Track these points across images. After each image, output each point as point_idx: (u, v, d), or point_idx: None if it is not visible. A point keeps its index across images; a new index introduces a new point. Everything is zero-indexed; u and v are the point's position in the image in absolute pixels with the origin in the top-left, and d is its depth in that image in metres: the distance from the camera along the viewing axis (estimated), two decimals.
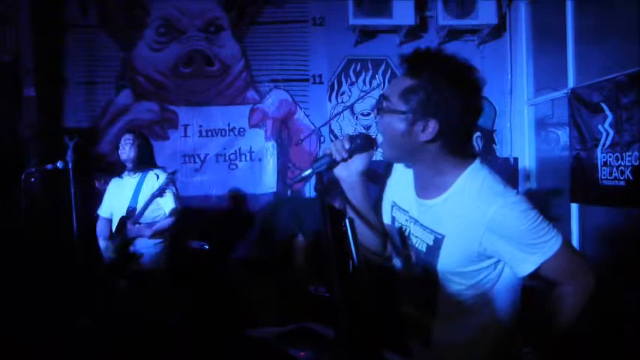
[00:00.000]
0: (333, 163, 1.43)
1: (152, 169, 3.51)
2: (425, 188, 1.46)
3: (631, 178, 3.32)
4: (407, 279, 1.55)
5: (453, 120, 1.33)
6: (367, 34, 5.05)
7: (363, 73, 5.17)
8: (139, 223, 3.36)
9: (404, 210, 1.53)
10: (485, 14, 4.65)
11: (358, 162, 1.45)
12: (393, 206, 1.58)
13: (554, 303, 1.40)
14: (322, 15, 5.15)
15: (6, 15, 4.80)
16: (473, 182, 1.39)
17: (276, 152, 5.18)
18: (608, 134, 3.53)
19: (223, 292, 3.15)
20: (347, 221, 1.30)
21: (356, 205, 1.51)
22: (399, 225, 1.55)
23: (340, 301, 1.22)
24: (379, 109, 1.41)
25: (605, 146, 3.56)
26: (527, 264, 1.35)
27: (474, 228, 1.36)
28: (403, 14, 4.67)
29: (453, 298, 1.45)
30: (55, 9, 5.09)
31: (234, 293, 3.02)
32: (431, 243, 1.43)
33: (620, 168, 3.41)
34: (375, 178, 1.45)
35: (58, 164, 3.28)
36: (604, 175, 3.58)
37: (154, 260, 3.40)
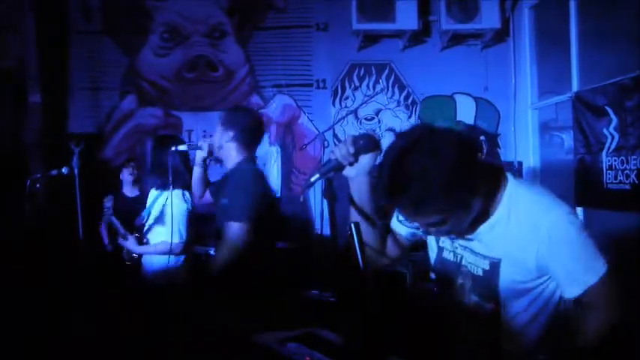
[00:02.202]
0: (341, 167, 1.43)
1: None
2: (470, 225, 1.40)
3: (636, 181, 3.31)
4: (463, 308, 1.51)
5: (470, 171, 1.27)
6: (370, 39, 5.06)
7: (367, 78, 5.18)
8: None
9: (452, 238, 1.51)
10: (489, 18, 4.64)
11: (365, 162, 1.44)
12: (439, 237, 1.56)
13: (583, 326, 1.38)
14: (326, 20, 5.16)
15: (11, 22, 4.82)
16: (516, 202, 1.38)
17: (280, 157, 5.18)
18: (613, 138, 3.52)
19: (228, 297, 3.14)
20: (352, 225, 1.30)
21: (360, 204, 1.50)
22: (450, 253, 1.54)
23: (347, 305, 1.22)
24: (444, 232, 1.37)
25: (610, 150, 3.55)
26: (574, 286, 1.34)
27: (528, 246, 1.34)
28: (406, 19, 4.67)
29: (517, 316, 1.44)
30: (60, 16, 5.12)
31: (238, 298, 3.01)
32: (487, 267, 1.43)
33: (625, 172, 3.40)
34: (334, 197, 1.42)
35: (63, 170, 3.28)
36: (609, 179, 3.57)
37: (169, 274, 3.16)
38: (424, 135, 1.26)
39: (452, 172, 1.20)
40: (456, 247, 1.52)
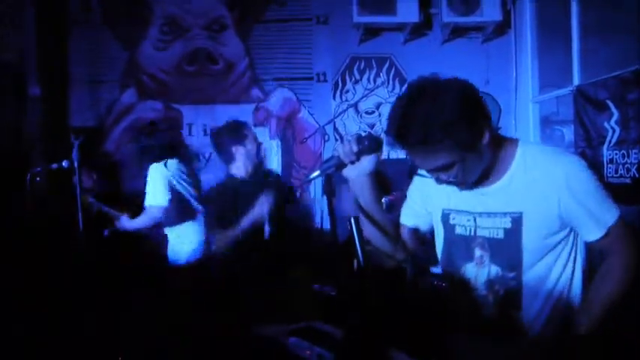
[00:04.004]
0: (342, 165, 1.44)
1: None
2: (484, 178, 1.47)
3: (637, 175, 3.31)
4: (481, 283, 1.53)
5: (478, 115, 1.36)
6: (371, 32, 5.03)
7: (368, 71, 5.16)
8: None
9: (464, 211, 1.54)
10: (490, 11, 4.62)
11: (367, 163, 1.46)
12: (448, 214, 1.58)
13: (607, 274, 1.45)
14: (326, 13, 5.14)
15: (10, 15, 4.81)
16: (532, 154, 1.46)
17: (280, 151, 5.17)
18: (614, 131, 3.51)
19: (228, 290, 3.15)
20: (352, 220, 1.31)
21: (366, 206, 1.51)
22: (463, 228, 1.55)
23: (348, 299, 1.22)
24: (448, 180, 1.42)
25: (611, 144, 3.54)
26: (596, 228, 1.42)
27: (550, 193, 1.41)
28: (407, 11, 4.65)
29: (539, 280, 1.47)
30: (60, 8, 5.10)
31: (239, 292, 3.02)
32: (509, 225, 1.46)
33: (626, 165, 3.40)
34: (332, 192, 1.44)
35: (64, 163, 3.28)
36: (610, 173, 3.56)
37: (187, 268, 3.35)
38: (428, 84, 1.36)
39: (451, 113, 1.29)
40: (469, 219, 1.53)
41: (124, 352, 2.65)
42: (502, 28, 4.99)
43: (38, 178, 3.51)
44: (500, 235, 1.47)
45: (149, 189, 3.25)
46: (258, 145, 3.05)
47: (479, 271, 1.53)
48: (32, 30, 4.79)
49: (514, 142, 1.49)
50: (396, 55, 5.11)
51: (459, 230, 1.56)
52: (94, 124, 5.11)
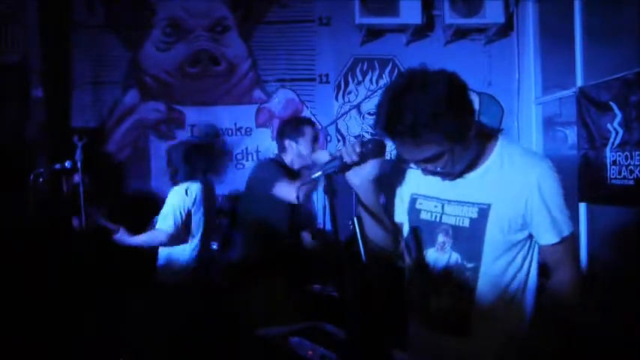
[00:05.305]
0: (344, 166, 1.43)
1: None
2: (467, 168, 1.49)
3: None
4: (439, 270, 1.54)
5: (464, 108, 1.38)
6: (374, 34, 5.03)
7: (370, 73, 5.16)
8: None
9: (431, 197, 1.55)
10: (493, 13, 4.62)
11: (370, 168, 1.45)
12: (416, 199, 1.59)
13: (559, 287, 1.48)
14: (329, 14, 5.14)
15: (13, 16, 4.82)
16: (510, 151, 1.49)
17: None
18: (617, 133, 3.50)
19: (230, 292, 3.14)
20: (354, 219, 1.31)
21: (371, 208, 1.51)
22: (428, 213, 1.56)
23: (350, 299, 1.22)
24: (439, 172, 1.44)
25: (614, 145, 3.53)
26: (553, 233, 1.46)
27: (520, 191, 1.44)
28: (410, 13, 4.65)
29: (494, 278, 1.48)
30: (62, 10, 5.11)
31: (240, 293, 3.01)
32: (475, 215, 1.47)
33: (629, 167, 3.39)
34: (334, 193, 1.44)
35: (66, 164, 3.29)
36: (613, 174, 3.55)
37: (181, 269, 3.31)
38: (417, 75, 1.36)
39: (440, 104, 1.30)
40: (436, 206, 1.54)
41: (125, 352, 2.66)
42: (505, 29, 4.98)
43: (41, 179, 3.52)
44: (466, 223, 1.49)
45: (164, 212, 3.21)
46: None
47: (439, 257, 1.53)
48: (35, 32, 4.80)
49: (494, 136, 1.52)
50: (398, 56, 5.11)
51: (423, 215, 1.57)
52: (97, 125, 5.12)
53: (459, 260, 1.49)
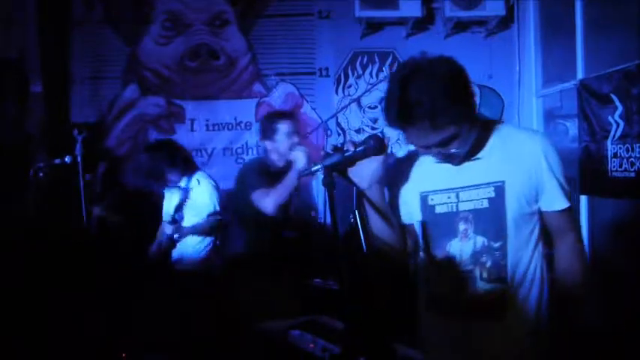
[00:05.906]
0: (344, 159, 1.41)
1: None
2: (469, 152, 1.52)
3: None
4: (467, 257, 1.55)
5: (461, 91, 1.41)
6: (374, 27, 5.02)
7: (370, 66, 5.15)
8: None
9: (442, 190, 1.56)
10: (493, 5, 4.60)
11: (373, 168, 1.44)
12: (426, 196, 1.59)
13: (570, 251, 1.56)
14: (328, 8, 5.12)
15: (13, 12, 4.81)
16: (507, 130, 1.57)
17: None
18: (618, 125, 3.49)
19: (231, 286, 3.15)
20: (355, 212, 1.31)
21: (378, 205, 1.51)
22: (444, 206, 1.56)
23: (350, 293, 1.22)
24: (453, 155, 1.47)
25: (615, 138, 3.52)
26: (564, 198, 1.53)
27: (527, 164, 1.50)
28: (410, 6, 4.63)
29: (520, 252, 1.52)
30: (61, 5, 5.09)
31: (242, 287, 3.02)
32: (492, 195, 1.51)
33: (630, 159, 3.38)
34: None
35: (66, 159, 3.29)
36: (614, 167, 3.55)
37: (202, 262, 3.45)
38: (421, 62, 1.39)
39: (450, 85, 1.35)
40: (450, 196, 1.55)
41: (127, 349, 2.66)
42: (505, 22, 4.96)
43: (41, 174, 3.52)
44: (485, 204, 1.51)
45: (207, 202, 3.45)
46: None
47: (464, 245, 1.54)
48: (34, 27, 4.80)
49: (489, 120, 1.59)
50: (398, 49, 5.09)
51: (439, 209, 1.57)
52: (96, 120, 5.12)
53: (485, 242, 1.51)
